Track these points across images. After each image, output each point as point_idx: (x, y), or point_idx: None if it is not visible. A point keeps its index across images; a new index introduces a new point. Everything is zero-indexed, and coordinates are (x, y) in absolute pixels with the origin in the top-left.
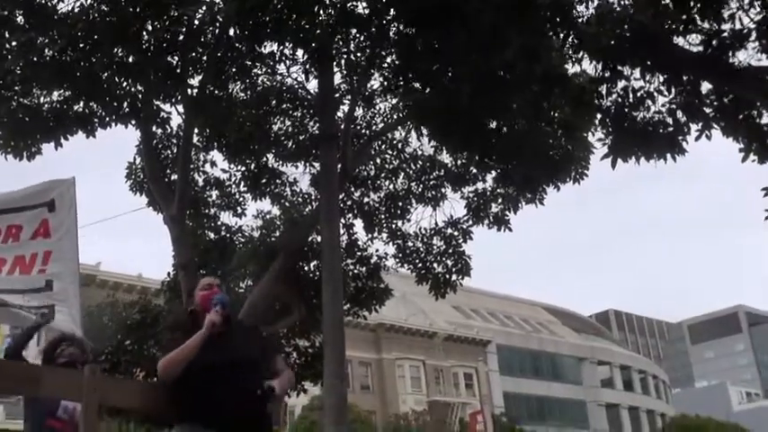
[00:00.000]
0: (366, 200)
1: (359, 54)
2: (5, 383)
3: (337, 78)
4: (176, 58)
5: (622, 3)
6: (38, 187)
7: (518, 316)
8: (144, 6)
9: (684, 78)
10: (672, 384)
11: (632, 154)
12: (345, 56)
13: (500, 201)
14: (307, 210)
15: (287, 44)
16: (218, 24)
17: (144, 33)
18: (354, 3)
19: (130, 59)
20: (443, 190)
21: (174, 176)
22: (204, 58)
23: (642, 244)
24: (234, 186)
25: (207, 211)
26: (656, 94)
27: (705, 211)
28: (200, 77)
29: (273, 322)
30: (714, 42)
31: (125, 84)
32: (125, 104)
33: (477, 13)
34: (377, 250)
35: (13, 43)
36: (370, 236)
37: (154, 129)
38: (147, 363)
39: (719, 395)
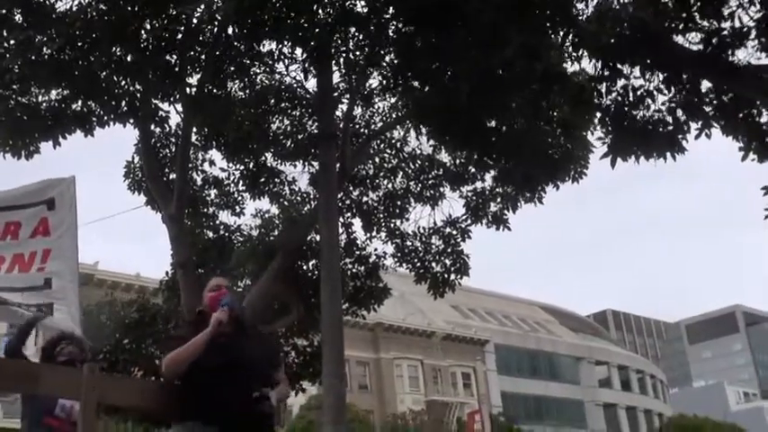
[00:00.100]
0: (365, 199)
1: (358, 53)
2: (5, 382)
3: (336, 77)
4: (175, 56)
5: (622, 1)
6: (37, 185)
7: (516, 315)
8: (142, 5)
9: (684, 77)
10: (669, 384)
11: (632, 153)
12: (344, 54)
13: (499, 200)
14: (305, 209)
15: (286, 43)
16: (216, 23)
17: (142, 32)
18: (353, 1)
19: (129, 58)
20: (442, 189)
21: (173, 175)
22: (203, 56)
23: (641, 243)
24: (232, 185)
25: (205, 210)
26: (655, 92)
27: (704, 210)
28: (198, 76)
29: (272, 321)
30: (714, 41)
31: (123, 82)
32: (123, 103)
33: (478, 12)
34: (375, 249)
35: (11, 42)
36: (368, 235)
37: (152, 128)
38: (146, 361)
39: (717, 395)
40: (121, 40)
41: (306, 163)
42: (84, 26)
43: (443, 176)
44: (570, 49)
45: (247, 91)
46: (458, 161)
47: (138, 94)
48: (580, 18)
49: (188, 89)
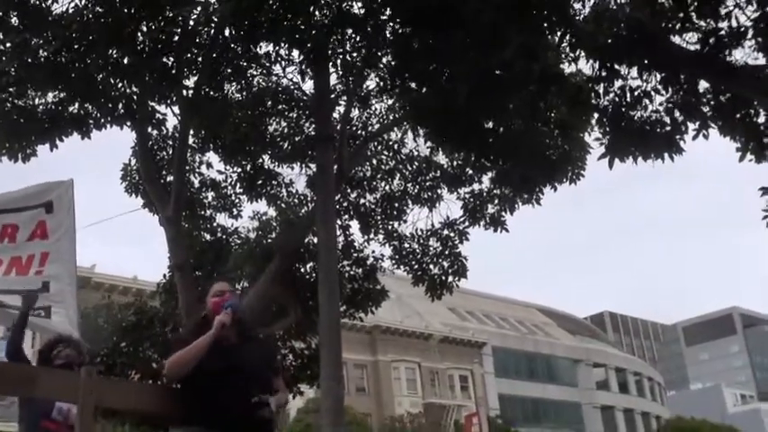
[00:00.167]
0: (362, 201)
1: (355, 54)
2: (2, 385)
3: (333, 79)
4: (171, 59)
5: (619, 1)
6: (35, 188)
7: (513, 318)
8: (139, 7)
9: (681, 77)
10: (667, 386)
11: (629, 153)
12: (341, 56)
13: (496, 201)
14: (303, 211)
15: (282, 45)
16: (213, 25)
17: (139, 34)
18: (350, 3)
19: (125, 60)
20: (439, 191)
21: (170, 178)
22: (199, 59)
23: (639, 244)
24: (230, 187)
25: (203, 212)
26: (653, 93)
27: (702, 211)
28: (195, 78)
29: (270, 324)
30: (711, 41)
31: (120, 85)
32: (120, 106)
33: (477, 13)
34: (373, 251)
35: (8, 44)
36: (366, 237)
37: (149, 130)
38: (143, 364)
39: (714, 397)
40: (118, 43)
41: (303, 165)
42: (80, 28)
43: (441, 178)
44: (567, 49)
45: (244, 93)
46: (455, 163)
47: (135, 97)
48: (577, 18)
49: (185, 91)
